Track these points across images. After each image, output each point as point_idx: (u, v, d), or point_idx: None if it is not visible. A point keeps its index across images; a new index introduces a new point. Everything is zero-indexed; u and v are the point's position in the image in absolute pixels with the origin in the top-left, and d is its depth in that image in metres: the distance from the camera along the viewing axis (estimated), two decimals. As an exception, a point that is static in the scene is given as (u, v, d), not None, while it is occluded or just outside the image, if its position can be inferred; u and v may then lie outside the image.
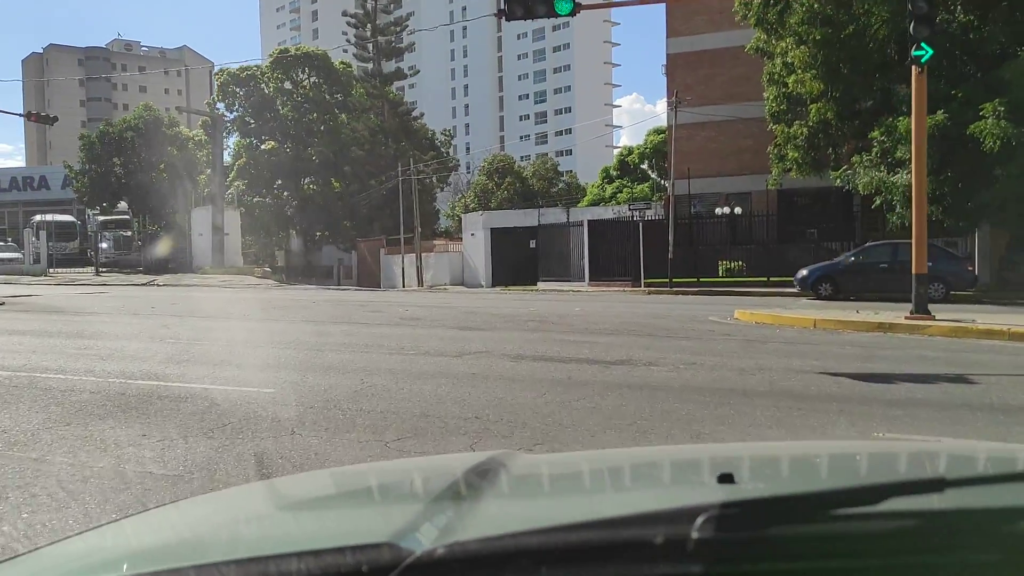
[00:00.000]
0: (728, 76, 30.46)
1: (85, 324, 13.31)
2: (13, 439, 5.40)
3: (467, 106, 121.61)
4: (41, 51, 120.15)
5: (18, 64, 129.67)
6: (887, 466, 1.55)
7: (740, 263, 28.19)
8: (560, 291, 28.24)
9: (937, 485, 1.01)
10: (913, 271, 12.58)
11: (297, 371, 8.24)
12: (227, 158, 50.91)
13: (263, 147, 51.86)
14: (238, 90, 50.71)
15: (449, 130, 65.20)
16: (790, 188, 28.06)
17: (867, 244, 21.69)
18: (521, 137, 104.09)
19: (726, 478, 1.15)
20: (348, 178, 50.33)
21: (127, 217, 47.75)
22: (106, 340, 11.03)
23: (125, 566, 1.01)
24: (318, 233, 53.09)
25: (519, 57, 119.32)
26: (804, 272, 21.28)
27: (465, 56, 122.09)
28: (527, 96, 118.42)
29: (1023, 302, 18.07)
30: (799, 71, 22.58)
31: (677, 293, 25.10)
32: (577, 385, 7.48)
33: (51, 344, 10.60)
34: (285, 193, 52.41)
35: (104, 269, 39.61)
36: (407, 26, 59.99)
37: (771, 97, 24.58)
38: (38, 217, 45.77)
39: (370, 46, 56.43)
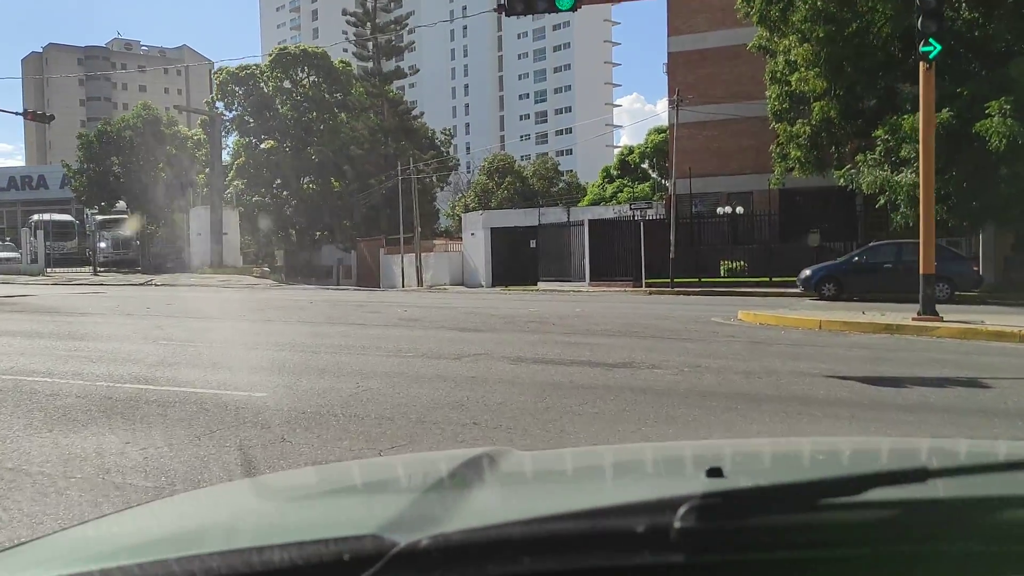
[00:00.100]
0: (730, 74, 30.21)
1: (77, 325, 13.09)
2: (-9, 447, 5.18)
3: (467, 105, 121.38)
4: (41, 50, 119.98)
5: (18, 63, 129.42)
6: (871, 458, 1.56)
7: (742, 263, 27.96)
8: (560, 291, 28.02)
9: (919, 475, 0.99)
10: (920, 271, 12.35)
11: (291, 374, 8.02)
12: (226, 157, 50.71)
13: (262, 146, 51.65)
14: (237, 89, 50.49)
15: (449, 129, 64.99)
16: (792, 187, 27.81)
17: (871, 244, 21.45)
18: (521, 137, 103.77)
19: (715, 472, 1.13)
20: (348, 177, 50.11)
21: (126, 216, 47.52)
22: (97, 341, 10.81)
23: (108, 559, 0.99)
24: (317, 233, 52.90)
25: (519, 56, 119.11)
26: (807, 272, 21.05)
27: (465, 55, 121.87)
28: (527, 95, 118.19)
29: (1029, 303, 17.84)
30: (802, 69, 22.36)
31: (678, 293, 24.87)
32: (579, 389, 7.26)
33: (41, 346, 10.38)
34: (284, 192, 52.19)
35: (102, 269, 39.40)
36: (407, 24, 59.74)
37: (773, 95, 24.34)
38: (36, 216, 45.58)
39: (370, 45, 56.16)
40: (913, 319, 12.16)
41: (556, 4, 11.19)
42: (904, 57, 22.12)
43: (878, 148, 20.78)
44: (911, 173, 19.65)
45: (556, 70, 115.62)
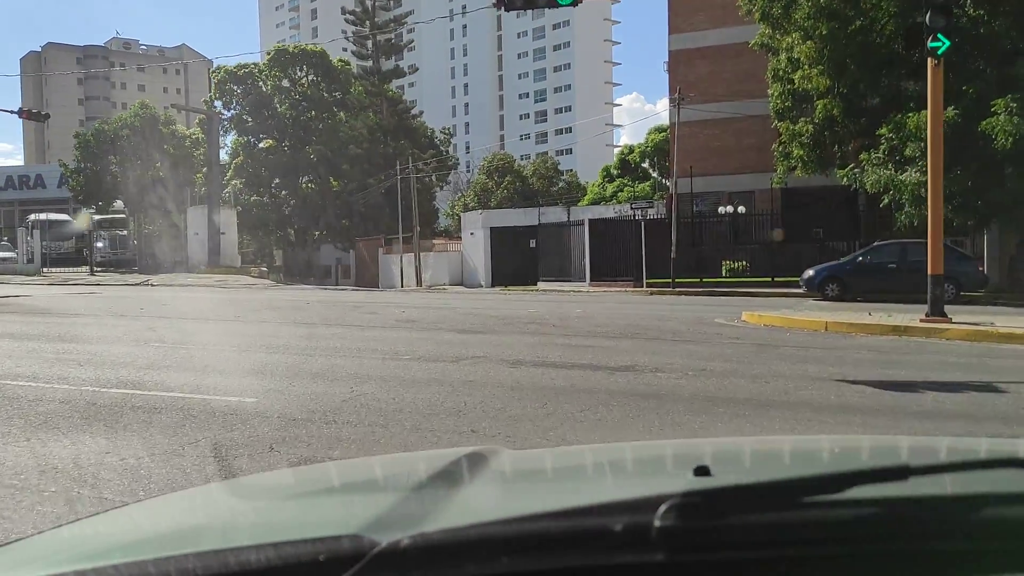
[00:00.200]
0: (731, 73, 29.97)
1: (68, 326, 12.84)
2: (-37, 457, 4.93)
3: (467, 105, 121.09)
4: (39, 49, 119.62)
5: (16, 63, 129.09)
6: (853, 456, 1.56)
7: (743, 263, 27.71)
8: (561, 291, 27.78)
9: (901, 473, 0.98)
10: (929, 272, 12.10)
11: (283, 378, 7.77)
12: (224, 157, 50.43)
13: (261, 145, 51.37)
14: (235, 88, 50.21)
15: (449, 128, 64.73)
16: (794, 187, 27.56)
17: (875, 244, 21.20)
18: (521, 136, 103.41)
19: (702, 470, 1.13)
20: (346, 177, 49.83)
21: (123, 216, 47.27)
22: (87, 344, 10.56)
23: (84, 562, 0.97)
24: (316, 232, 52.62)
25: (519, 56, 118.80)
26: (811, 272, 20.80)
27: (465, 55, 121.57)
28: (527, 95, 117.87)
29: (1036, 303, 17.60)
30: (805, 67, 22.12)
31: (680, 294, 24.63)
32: (580, 393, 7.01)
33: (29, 348, 10.13)
34: (283, 192, 51.93)
35: (99, 269, 39.15)
36: (406, 23, 59.49)
37: (776, 94, 24.11)
38: (33, 216, 45.31)
39: (369, 43, 55.90)
40: (921, 320, 11.91)
41: (556, -1, 10.93)
42: (908, 55, 21.89)
43: (882, 147, 20.55)
44: (915, 172, 19.43)
45: (556, 69, 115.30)
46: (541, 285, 31.08)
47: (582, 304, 19.88)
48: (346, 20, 56.90)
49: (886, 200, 20.59)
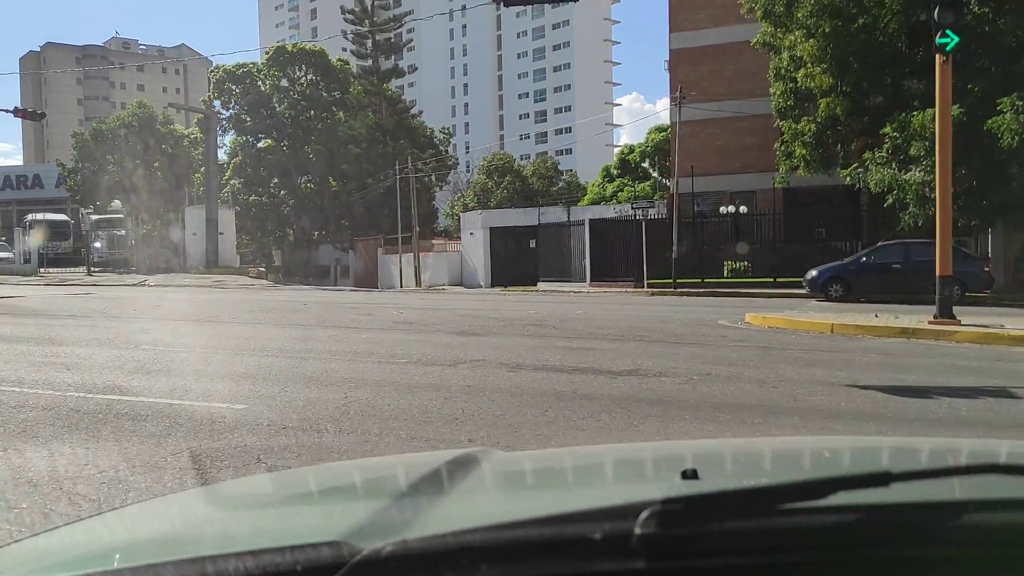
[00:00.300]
0: (732, 72, 29.73)
1: (59, 328, 12.60)
2: (-65, 469, 4.69)
3: (467, 105, 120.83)
4: (39, 49, 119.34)
5: (15, 63, 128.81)
6: (836, 461, 1.55)
7: (745, 263, 27.49)
8: (561, 292, 27.55)
9: (882, 479, 0.96)
10: (937, 273, 11.86)
11: (276, 383, 7.54)
12: (223, 156, 50.20)
13: (259, 145, 51.17)
14: (234, 87, 50.00)
15: (448, 128, 64.48)
16: (796, 186, 27.32)
17: (879, 244, 20.96)
18: (521, 136, 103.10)
19: (690, 473, 1.13)
20: (346, 176, 49.60)
21: (121, 216, 46.99)
22: (77, 346, 10.32)
23: (59, 571, 0.99)
24: (315, 232, 52.39)
25: (519, 55, 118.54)
26: (814, 273, 20.56)
27: (465, 55, 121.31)
28: (527, 94, 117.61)
29: (1043, 305, 17.37)
30: (809, 65, 21.89)
31: (681, 294, 24.41)
32: (582, 399, 6.78)
33: (16, 351, 9.89)
34: (282, 192, 51.73)
35: (97, 269, 38.89)
36: (405, 22, 59.24)
37: (778, 92, 23.89)
38: (30, 216, 45.05)
39: (368, 43, 55.65)
40: (930, 322, 11.68)
41: (557, -6, 10.69)
42: (911, 53, 21.69)
43: (886, 146, 20.34)
44: (920, 171, 19.21)
45: (556, 69, 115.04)
46: (541, 286, 30.85)
47: (583, 305, 19.65)
48: (345, 19, 56.64)
49: (890, 200, 20.37)
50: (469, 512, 1.22)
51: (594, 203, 47.71)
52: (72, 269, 38.93)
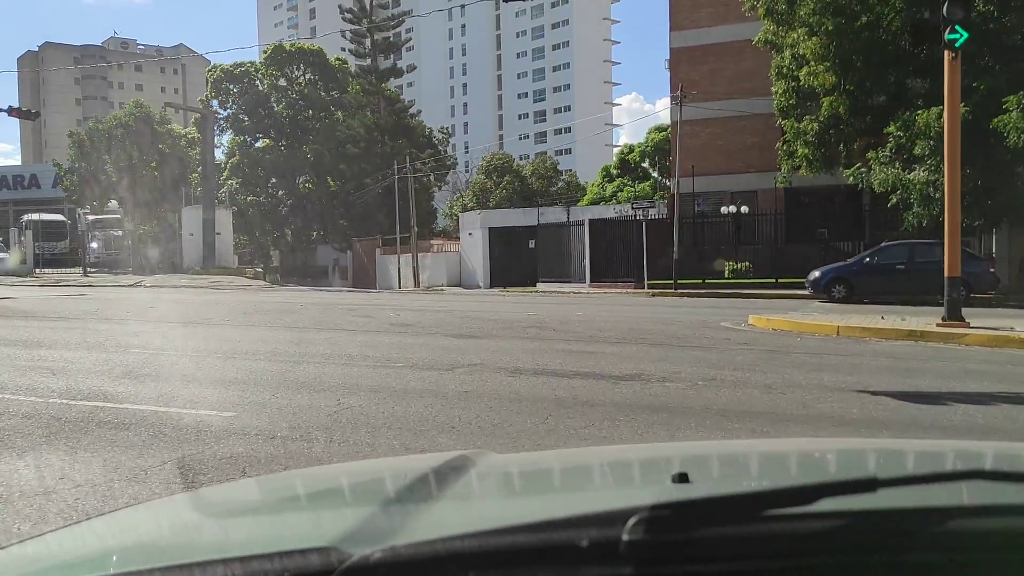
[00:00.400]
0: (734, 70, 29.48)
1: (49, 331, 12.34)
2: (-99, 483, 4.44)
3: (465, 104, 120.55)
4: (37, 49, 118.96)
5: (13, 62, 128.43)
6: (821, 466, 1.55)
7: (746, 264, 27.26)
8: (560, 292, 27.31)
9: (869, 485, 0.96)
10: (946, 274, 11.61)
11: (267, 389, 7.29)
12: (221, 156, 49.93)
13: (257, 145, 50.89)
14: (232, 87, 49.72)
15: (447, 128, 64.22)
16: (797, 186, 27.08)
17: (883, 244, 20.71)
18: (520, 136, 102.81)
19: (682, 477, 1.14)
20: (344, 176, 49.33)
21: (118, 216, 46.70)
22: (65, 350, 10.06)
23: None
24: (313, 233, 52.12)
25: (518, 55, 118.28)
26: (816, 273, 20.32)
27: (464, 54, 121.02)
28: (526, 94, 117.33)
29: (1049, 306, 17.13)
30: (812, 63, 21.65)
31: (682, 295, 24.17)
32: (584, 406, 6.53)
33: (2, 355, 9.62)
34: (280, 192, 51.44)
35: (93, 269, 38.60)
36: (404, 20, 58.98)
37: (780, 91, 23.66)
38: (26, 216, 44.74)
39: (367, 42, 55.36)
40: (938, 325, 11.43)
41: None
42: (914, 52, 21.45)
43: (889, 145, 20.11)
44: (924, 171, 18.99)
45: (555, 69, 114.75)
46: (540, 286, 30.61)
47: (583, 306, 19.41)
48: (343, 18, 56.36)
49: (894, 200, 20.12)
50: (459, 517, 1.21)
51: (594, 203, 47.46)
52: (68, 270, 38.64)
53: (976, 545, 0.93)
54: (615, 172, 55.26)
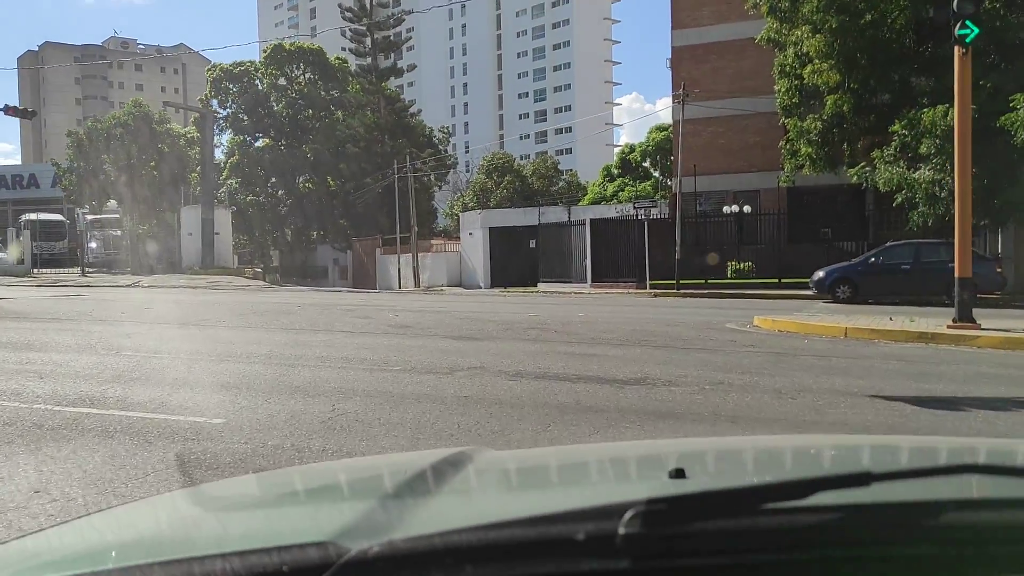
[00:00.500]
0: (736, 69, 29.26)
1: (41, 333, 12.11)
2: None
3: (466, 104, 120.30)
4: (36, 49, 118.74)
5: (13, 62, 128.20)
6: (820, 460, 1.56)
7: (749, 264, 27.02)
8: (561, 293, 27.07)
9: (863, 479, 0.97)
10: (956, 274, 11.35)
11: (260, 393, 7.05)
12: (220, 155, 49.71)
13: (257, 144, 50.67)
14: (231, 86, 49.51)
15: (447, 128, 63.99)
16: (800, 186, 26.84)
17: (888, 244, 20.46)
18: (521, 135, 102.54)
19: (679, 473, 1.14)
20: (344, 176, 49.10)
21: (116, 216, 46.46)
22: (56, 352, 9.83)
23: (47, 571, 1.00)
24: (313, 232, 51.89)
25: (519, 55, 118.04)
26: (821, 274, 20.07)
27: (464, 54, 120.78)
28: (527, 94, 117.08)
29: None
30: (816, 61, 21.40)
31: (685, 295, 23.93)
32: (587, 412, 6.30)
33: (-9, 358, 9.40)
34: (279, 191, 51.23)
35: (92, 269, 38.38)
36: (404, 19, 58.75)
37: (783, 90, 23.42)
38: (25, 216, 44.51)
39: (367, 40, 55.12)
40: (948, 326, 11.18)
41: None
42: (919, 50, 21.22)
43: (894, 144, 19.87)
44: (930, 170, 18.76)
45: (555, 68, 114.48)
46: (541, 286, 30.38)
47: (584, 307, 19.17)
48: (344, 17, 56.13)
49: (899, 199, 19.88)
50: (456, 512, 1.22)
51: (595, 203, 47.23)
52: (67, 270, 38.43)
53: (969, 538, 0.93)
54: (616, 172, 55.07)
